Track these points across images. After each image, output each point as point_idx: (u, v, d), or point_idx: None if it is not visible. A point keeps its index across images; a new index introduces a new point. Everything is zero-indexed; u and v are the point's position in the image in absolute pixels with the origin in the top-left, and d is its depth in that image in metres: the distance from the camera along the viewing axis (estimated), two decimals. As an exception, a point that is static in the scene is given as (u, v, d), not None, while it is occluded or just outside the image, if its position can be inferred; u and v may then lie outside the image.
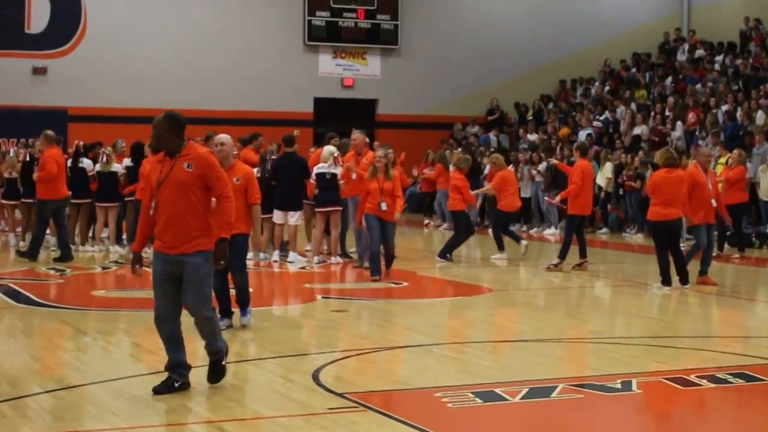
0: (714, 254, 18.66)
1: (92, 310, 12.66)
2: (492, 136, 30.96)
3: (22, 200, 19.69)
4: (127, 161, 18.93)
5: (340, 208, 17.13)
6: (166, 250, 7.89)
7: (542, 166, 24.66)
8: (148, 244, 8.35)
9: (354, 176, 16.86)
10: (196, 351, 9.97)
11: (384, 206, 14.97)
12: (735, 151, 19.87)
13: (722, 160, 21.54)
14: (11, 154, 20.62)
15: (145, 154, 18.88)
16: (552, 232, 24.05)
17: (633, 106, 28.43)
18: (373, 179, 15.13)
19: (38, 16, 29.57)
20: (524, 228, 25.13)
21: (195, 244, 7.85)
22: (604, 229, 24.66)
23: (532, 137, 29.29)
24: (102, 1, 30.02)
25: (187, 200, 7.84)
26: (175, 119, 8.01)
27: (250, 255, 17.62)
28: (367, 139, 18.22)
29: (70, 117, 29.14)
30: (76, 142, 19.91)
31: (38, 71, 29.54)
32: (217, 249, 7.95)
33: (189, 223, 7.85)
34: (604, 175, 24.20)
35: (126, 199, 18.76)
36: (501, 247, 18.39)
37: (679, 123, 26.11)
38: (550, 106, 32.60)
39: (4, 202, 20.12)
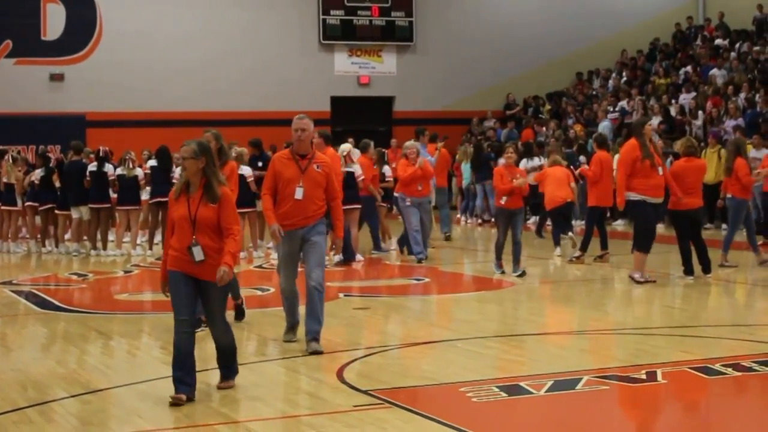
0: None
1: (115, 314, 12.70)
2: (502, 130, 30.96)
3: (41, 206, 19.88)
4: (151, 162, 19.05)
5: (358, 206, 17.15)
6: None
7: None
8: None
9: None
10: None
11: (198, 254, 7.81)
12: (756, 138, 19.75)
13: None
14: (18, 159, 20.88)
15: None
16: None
17: (644, 97, 28.25)
18: (181, 198, 7.99)
19: (54, 22, 29.65)
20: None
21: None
22: (620, 221, 24.50)
23: (548, 131, 29.20)
24: (117, 7, 30.09)
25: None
26: None
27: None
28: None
29: (88, 122, 29.22)
30: (102, 148, 19.79)
31: (55, 78, 29.63)
32: None
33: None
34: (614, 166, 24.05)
35: (149, 201, 18.90)
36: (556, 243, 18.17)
37: (700, 112, 25.99)
38: (563, 99, 32.56)
39: (30, 204, 20.17)
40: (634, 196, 13.94)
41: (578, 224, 22.54)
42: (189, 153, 7.90)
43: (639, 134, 14.02)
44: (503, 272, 15.23)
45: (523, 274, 15.07)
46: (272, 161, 10.06)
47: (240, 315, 11.44)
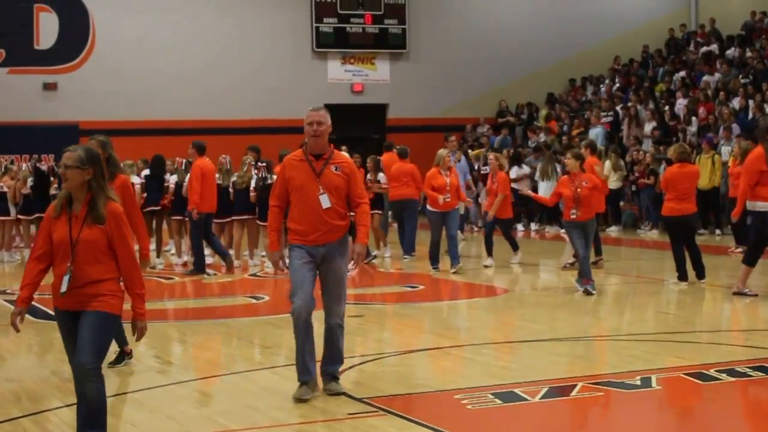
0: (737, 249, 18.59)
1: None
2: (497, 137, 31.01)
3: (37, 215, 19.88)
4: (145, 171, 19.08)
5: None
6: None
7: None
8: None
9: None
10: (216, 360, 9.99)
11: (64, 284, 6.72)
12: (736, 145, 19.80)
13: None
14: (24, 168, 20.79)
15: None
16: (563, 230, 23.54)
17: (634, 104, 28.32)
18: (62, 216, 6.58)
19: (47, 32, 29.66)
20: (537, 226, 25.20)
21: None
22: (614, 227, 24.52)
23: (541, 138, 29.23)
24: (110, 15, 30.09)
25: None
26: None
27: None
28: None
29: (81, 131, 29.11)
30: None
31: (49, 87, 29.63)
32: None
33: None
34: (603, 174, 24.04)
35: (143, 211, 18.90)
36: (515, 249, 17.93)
37: (693, 118, 26.05)
38: (557, 106, 32.59)
39: (21, 217, 20.24)
40: (762, 206, 12.77)
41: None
42: (73, 161, 6.42)
43: (764, 140, 12.85)
44: (594, 289, 13.89)
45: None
46: (282, 165, 8.40)
47: (118, 361, 9.63)
